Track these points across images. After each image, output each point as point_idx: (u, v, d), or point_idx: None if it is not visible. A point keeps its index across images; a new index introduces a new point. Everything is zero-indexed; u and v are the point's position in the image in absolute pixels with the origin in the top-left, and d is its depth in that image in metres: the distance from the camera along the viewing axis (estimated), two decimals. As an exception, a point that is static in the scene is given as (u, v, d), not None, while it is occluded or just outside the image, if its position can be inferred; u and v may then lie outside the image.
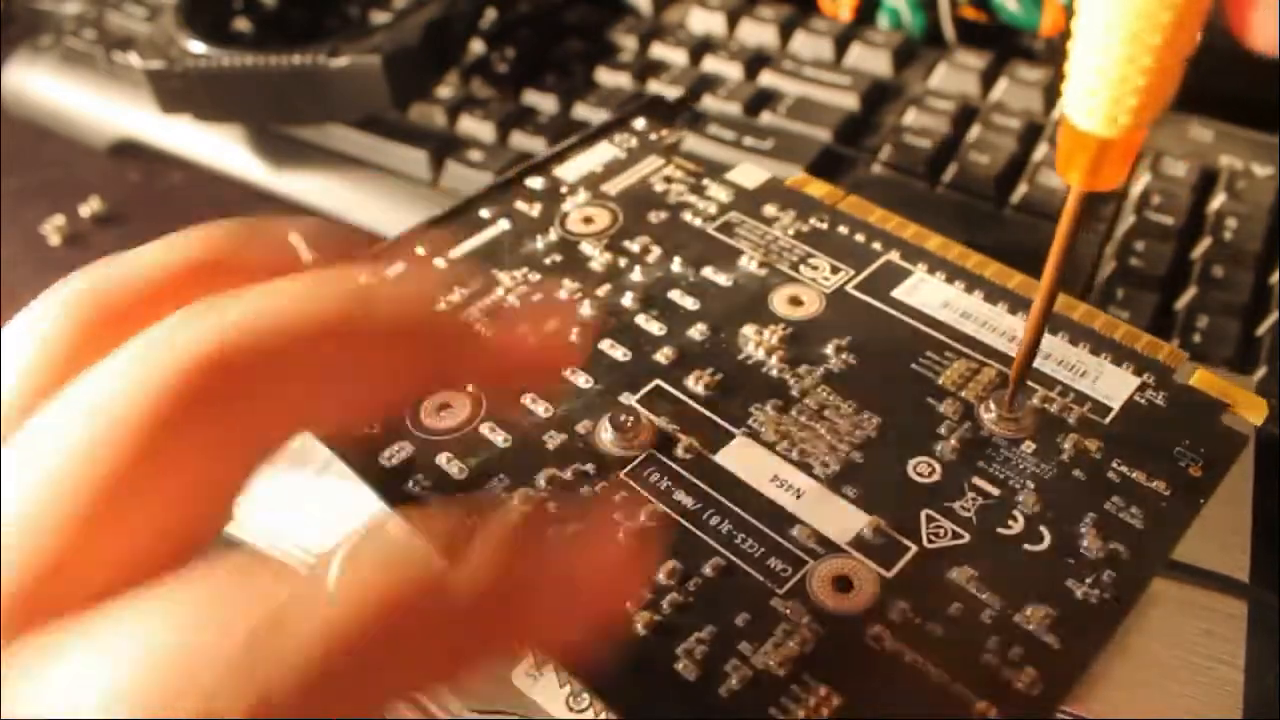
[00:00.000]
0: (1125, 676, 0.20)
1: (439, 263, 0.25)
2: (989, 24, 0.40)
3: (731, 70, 0.38)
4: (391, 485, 0.20)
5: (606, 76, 0.39)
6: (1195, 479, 0.19)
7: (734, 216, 0.25)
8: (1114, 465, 0.19)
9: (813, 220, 0.25)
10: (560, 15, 0.43)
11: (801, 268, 0.24)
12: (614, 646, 0.17)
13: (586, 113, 0.37)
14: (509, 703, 0.21)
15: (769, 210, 0.25)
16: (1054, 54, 0.40)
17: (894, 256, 0.24)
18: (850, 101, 0.36)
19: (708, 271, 0.24)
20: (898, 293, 0.23)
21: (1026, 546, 0.18)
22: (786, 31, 0.40)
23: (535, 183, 0.27)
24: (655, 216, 0.26)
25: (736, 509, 0.19)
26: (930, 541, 0.18)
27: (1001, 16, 0.40)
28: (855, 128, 0.35)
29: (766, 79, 0.38)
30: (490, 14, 0.42)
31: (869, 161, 0.34)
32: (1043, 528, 0.18)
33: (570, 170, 0.27)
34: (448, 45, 0.39)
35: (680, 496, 0.19)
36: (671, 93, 0.37)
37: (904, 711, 0.16)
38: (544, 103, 0.38)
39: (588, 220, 0.26)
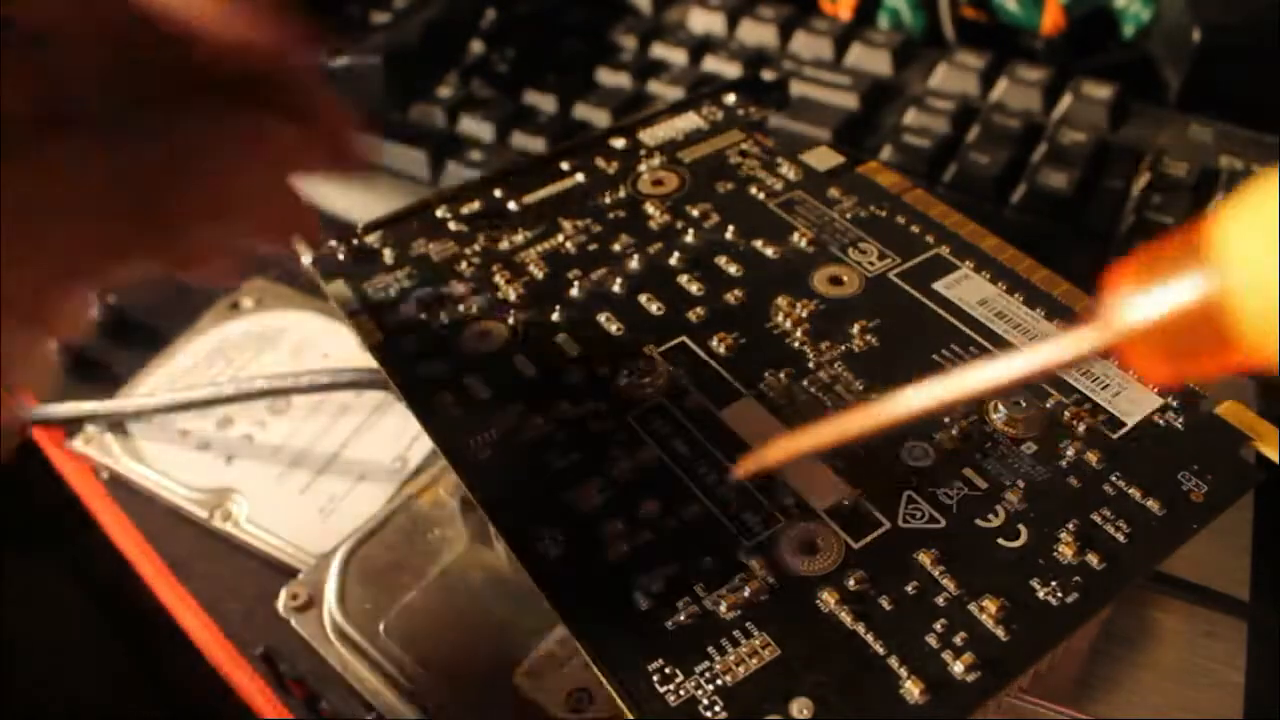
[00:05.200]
0: (1127, 677, 0.20)
1: (513, 206, 0.26)
2: (989, 24, 0.39)
3: (731, 70, 0.38)
4: (420, 394, 0.21)
5: (606, 76, 0.39)
6: (1195, 504, 0.18)
7: (797, 195, 0.26)
8: (1112, 478, 0.19)
9: (873, 207, 0.25)
10: (560, 15, 0.43)
11: (850, 250, 0.24)
12: (578, 567, 0.18)
13: (586, 112, 0.37)
14: (509, 702, 0.22)
15: (833, 193, 0.26)
16: (1054, 54, 0.39)
17: (944, 250, 0.24)
18: (850, 101, 0.36)
19: (757, 243, 0.24)
20: (939, 285, 0.23)
21: (1000, 541, 0.18)
22: (786, 31, 0.39)
23: (618, 143, 0.28)
24: (722, 187, 0.26)
25: (727, 463, 0.19)
26: (905, 522, 0.18)
27: (1001, 16, 0.39)
28: (855, 127, 0.35)
29: (766, 79, 0.38)
30: (490, 14, 0.42)
31: (869, 162, 0.34)
32: (1022, 526, 0.18)
33: (653, 135, 0.28)
34: (448, 45, 0.40)
35: (678, 445, 0.20)
36: (671, 93, 0.37)
37: (834, 673, 0.16)
38: (544, 103, 0.38)
39: (657, 183, 0.27)
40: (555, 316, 0.23)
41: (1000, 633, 0.17)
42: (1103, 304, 0.10)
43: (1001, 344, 0.21)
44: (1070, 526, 0.18)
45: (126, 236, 0.16)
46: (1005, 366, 0.11)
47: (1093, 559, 0.17)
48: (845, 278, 0.23)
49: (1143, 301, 0.09)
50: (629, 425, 0.20)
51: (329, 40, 0.37)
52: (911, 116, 0.35)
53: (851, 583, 0.17)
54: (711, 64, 0.39)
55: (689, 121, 0.29)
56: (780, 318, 0.22)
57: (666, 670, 0.16)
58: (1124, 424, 0.20)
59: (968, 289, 0.23)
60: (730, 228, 0.25)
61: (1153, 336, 0.09)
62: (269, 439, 0.31)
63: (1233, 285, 0.09)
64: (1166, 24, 0.38)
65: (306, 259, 0.25)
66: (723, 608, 0.17)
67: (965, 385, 0.12)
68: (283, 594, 0.25)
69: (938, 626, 0.17)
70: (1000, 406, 0.20)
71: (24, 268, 0.15)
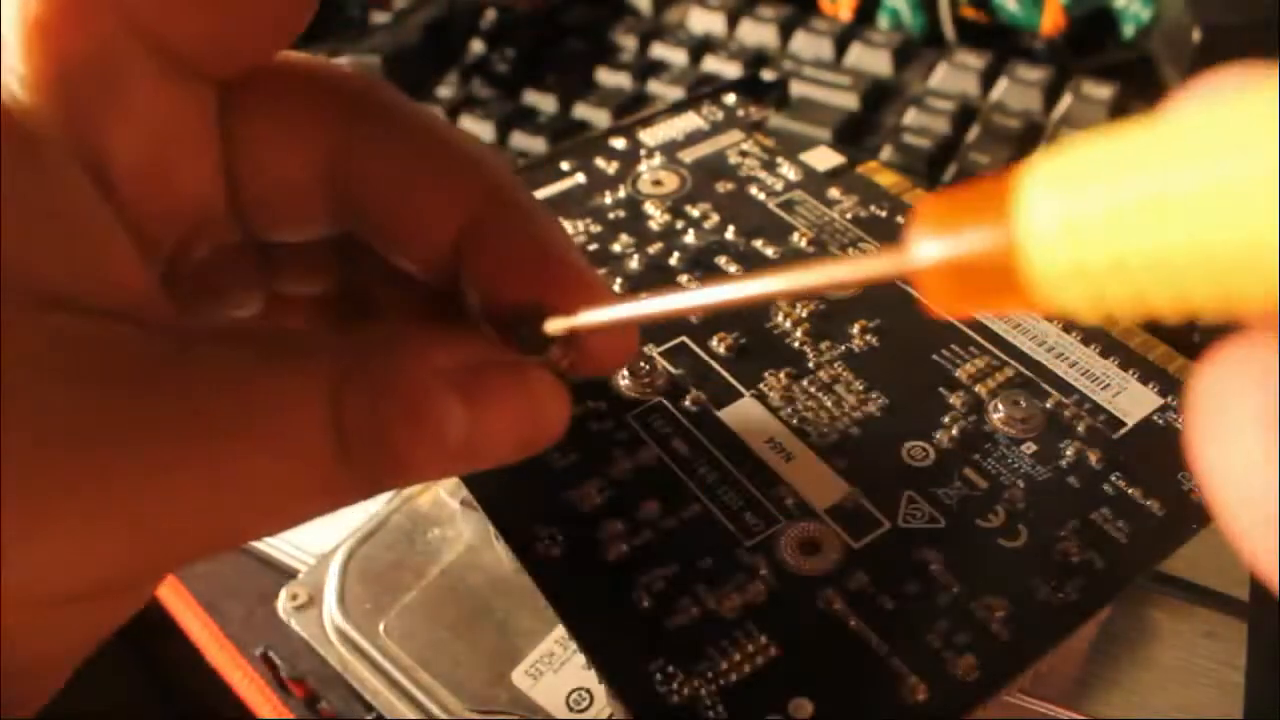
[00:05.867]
0: (1127, 677, 0.20)
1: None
2: (989, 24, 0.39)
3: (731, 70, 0.38)
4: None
5: (606, 76, 0.39)
6: (1195, 504, 0.18)
7: (797, 195, 0.26)
8: (1112, 478, 0.19)
9: (873, 207, 0.25)
10: (560, 15, 0.43)
11: (850, 250, 0.24)
12: (578, 567, 0.18)
13: (586, 113, 0.37)
14: (509, 703, 0.22)
15: (833, 193, 0.26)
16: (1054, 54, 0.39)
17: (944, 250, 0.24)
18: (850, 101, 0.36)
19: (757, 243, 0.24)
20: (939, 286, 0.23)
21: (1001, 541, 0.18)
22: (786, 31, 0.39)
23: (618, 143, 0.28)
24: (722, 187, 0.26)
25: (726, 463, 0.19)
26: (905, 522, 0.18)
27: (1001, 16, 0.39)
28: (855, 127, 0.35)
29: (766, 79, 0.38)
30: (490, 14, 0.42)
31: (869, 161, 0.34)
32: (1022, 526, 0.18)
33: (653, 135, 0.28)
34: (448, 45, 0.40)
35: (677, 444, 0.20)
36: (672, 93, 0.37)
37: (834, 673, 0.16)
38: (544, 103, 0.38)
39: (657, 183, 0.27)
40: (555, 316, 0.23)
41: (1001, 632, 0.17)
42: (906, 233, 0.10)
43: (1001, 343, 0.21)
44: (1071, 525, 0.18)
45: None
46: (800, 276, 0.11)
47: (1093, 559, 0.18)
48: (845, 278, 0.23)
49: (940, 236, 0.09)
50: (629, 425, 0.20)
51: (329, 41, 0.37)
52: (911, 116, 0.35)
53: (853, 583, 0.17)
54: (711, 64, 0.39)
55: (689, 121, 0.29)
56: (780, 318, 0.22)
57: (667, 670, 0.16)
58: (1124, 424, 0.20)
59: (968, 289, 0.23)
60: (730, 228, 0.25)
61: (944, 270, 0.09)
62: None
63: (1024, 235, 0.09)
64: (1166, 24, 0.38)
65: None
66: (724, 607, 0.17)
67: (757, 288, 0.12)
68: (283, 594, 0.25)
69: (938, 626, 0.17)
70: (1000, 406, 0.20)
71: None
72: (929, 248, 0.09)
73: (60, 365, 0.11)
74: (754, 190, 0.26)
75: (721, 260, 0.24)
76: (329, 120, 0.15)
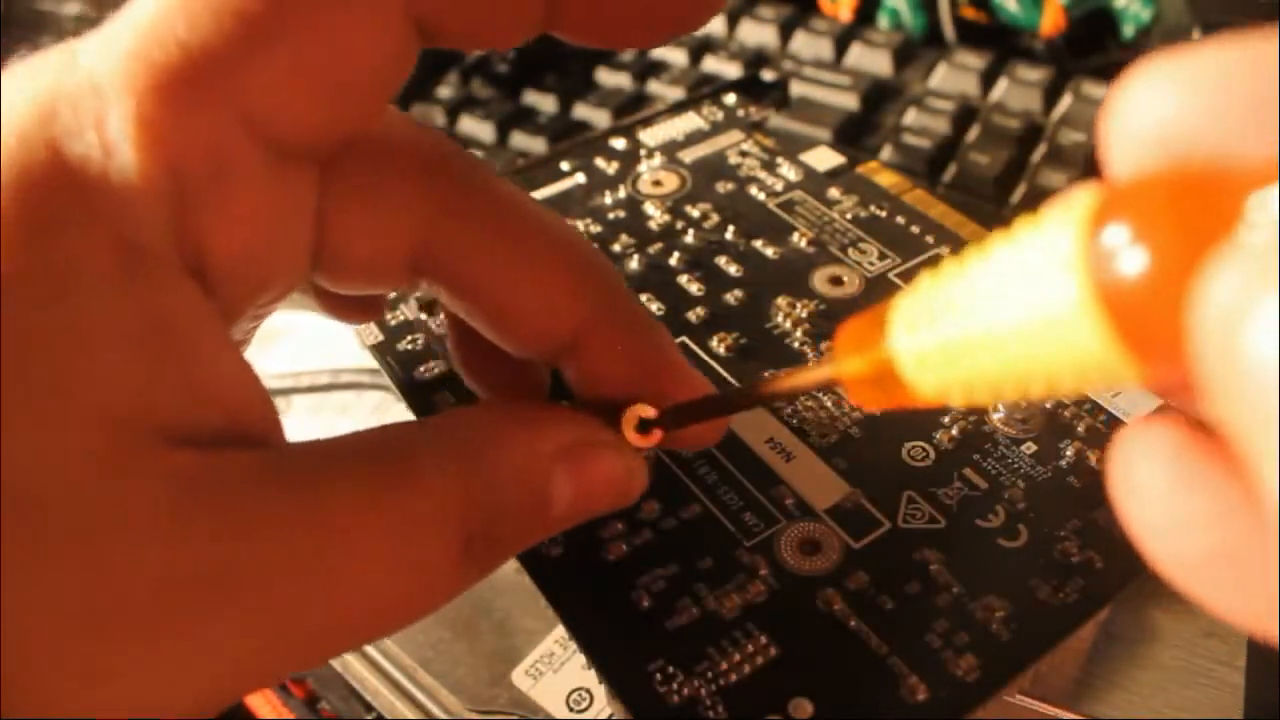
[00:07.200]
0: (1127, 677, 0.20)
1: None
2: (989, 24, 0.39)
3: (731, 70, 0.38)
4: (420, 395, 0.21)
5: (606, 76, 0.39)
6: (1195, 504, 0.18)
7: (797, 195, 0.26)
8: (1112, 478, 0.19)
9: (873, 207, 0.25)
10: None
11: (850, 250, 0.24)
12: (578, 568, 0.18)
13: (586, 113, 0.37)
14: (509, 703, 0.22)
15: (833, 193, 0.26)
16: (1054, 54, 0.39)
17: (944, 251, 0.24)
18: (850, 101, 0.36)
19: (757, 243, 0.24)
20: (939, 286, 0.23)
21: (1001, 541, 0.18)
22: (786, 31, 0.39)
23: (618, 143, 0.28)
24: (722, 187, 0.26)
25: (726, 463, 0.19)
26: (905, 522, 0.18)
27: (1001, 16, 0.39)
28: (855, 127, 0.35)
29: (766, 79, 0.38)
30: None
31: (869, 161, 0.33)
32: (1022, 526, 0.18)
33: (653, 135, 0.28)
34: None
35: (677, 445, 0.20)
36: (672, 93, 0.37)
37: (834, 673, 0.16)
38: (544, 103, 0.38)
39: (657, 183, 0.27)
40: (555, 316, 0.23)
41: (1001, 632, 0.17)
42: (834, 346, 0.12)
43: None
44: (1071, 526, 0.18)
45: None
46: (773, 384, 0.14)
47: (1094, 557, 0.18)
48: (845, 278, 0.23)
49: (849, 349, 0.12)
50: (629, 425, 0.20)
51: None
52: (911, 116, 0.35)
53: (853, 583, 0.17)
54: (711, 64, 0.39)
55: (689, 121, 0.29)
56: (780, 318, 0.22)
57: (667, 670, 0.16)
58: (1124, 423, 0.20)
59: (968, 289, 0.23)
60: (730, 228, 0.25)
61: (858, 376, 0.12)
62: (269, 439, 0.31)
63: (895, 364, 0.11)
64: (1166, 24, 0.38)
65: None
66: (724, 607, 0.17)
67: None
68: (283, 594, 0.25)
69: (938, 626, 0.17)
70: (1000, 406, 0.20)
71: None
72: (842, 367, 0.12)
73: (182, 514, 0.11)
74: (754, 190, 0.26)
75: (721, 260, 0.24)
76: (424, 200, 0.15)
